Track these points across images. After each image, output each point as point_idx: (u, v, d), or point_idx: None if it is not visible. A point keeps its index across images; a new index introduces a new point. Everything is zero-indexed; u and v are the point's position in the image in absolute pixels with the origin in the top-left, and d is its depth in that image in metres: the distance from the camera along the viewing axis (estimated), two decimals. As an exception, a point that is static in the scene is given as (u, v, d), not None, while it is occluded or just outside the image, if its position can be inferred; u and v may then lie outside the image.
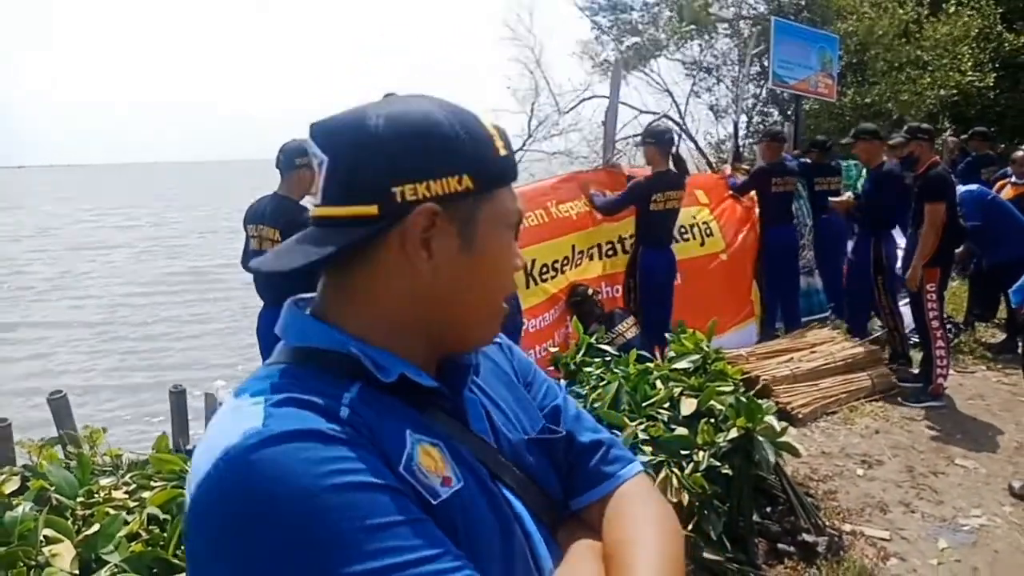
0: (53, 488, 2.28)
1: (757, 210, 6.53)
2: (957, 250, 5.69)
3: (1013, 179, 6.98)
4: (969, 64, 11.81)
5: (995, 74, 11.83)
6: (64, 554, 1.97)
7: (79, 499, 2.27)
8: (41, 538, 1.99)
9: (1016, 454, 4.38)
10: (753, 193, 6.51)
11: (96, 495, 2.30)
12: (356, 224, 0.78)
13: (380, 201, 0.77)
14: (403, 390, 0.80)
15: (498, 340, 1.04)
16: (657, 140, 5.35)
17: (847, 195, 6.45)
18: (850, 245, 6.20)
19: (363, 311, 0.83)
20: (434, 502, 0.75)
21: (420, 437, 0.79)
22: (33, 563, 1.92)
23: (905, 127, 5.93)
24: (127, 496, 2.30)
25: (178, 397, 3.90)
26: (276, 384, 0.76)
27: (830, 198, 6.51)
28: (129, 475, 2.45)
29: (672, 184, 5.29)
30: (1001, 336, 6.53)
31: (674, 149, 5.48)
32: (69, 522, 2.14)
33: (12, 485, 2.38)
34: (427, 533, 0.70)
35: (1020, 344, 6.00)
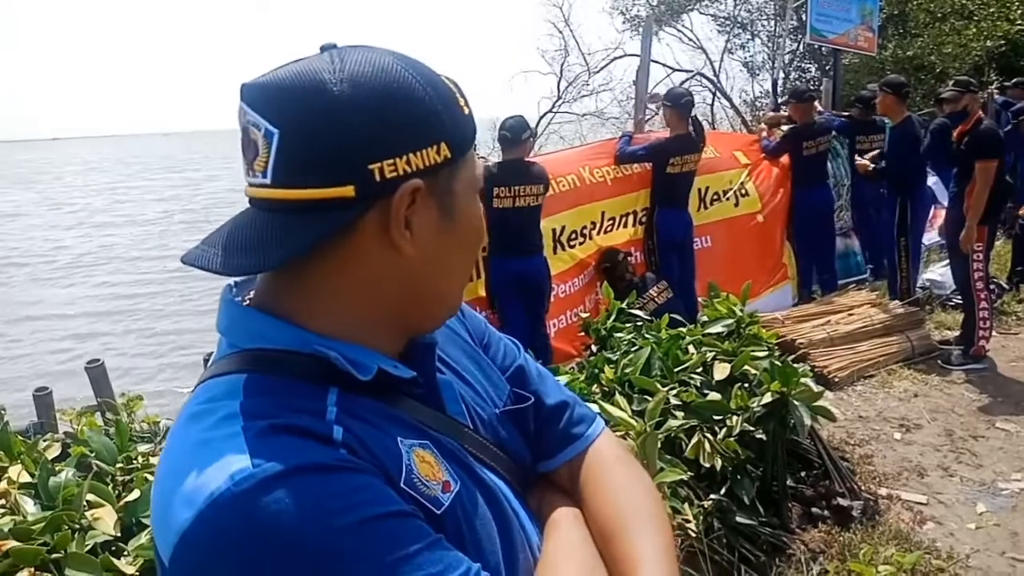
0: (94, 454, 2.33)
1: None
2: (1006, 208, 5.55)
3: None
4: (1019, 12, 11.35)
5: (1047, 22, 11.38)
6: (106, 518, 2.02)
7: (119, 465, 2.32)
8: (84, 503, 2.04)
9: (1060, 417, 4.28)
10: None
11: (135, 461, 2.36)
12: (327, 208, 0.67)
13: (356, 181, 0.67)
14: (376, 384, 0.73)
15: None
16: (675, 103, 5.38)
17: (867, 157, 6.22)
18: None
19: (331, 304, 0.73)
20: (438, 512, 0.70)
21: (412, 442, 0.73)
22: (77, 526, 1.97)
23: (953, 80, 5.74)
24: (164, 462, 2.35)
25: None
26: (246, 405, 0.66)
27: (856, 158, 6.34)
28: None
29: (690, 147, 5.34)
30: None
31: (694, 111, 5.50)
32: (110, 487, 2.20)
33: (54, 451, 2.45)
34: (445, 551, 0.66)
35: None
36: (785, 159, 6.38)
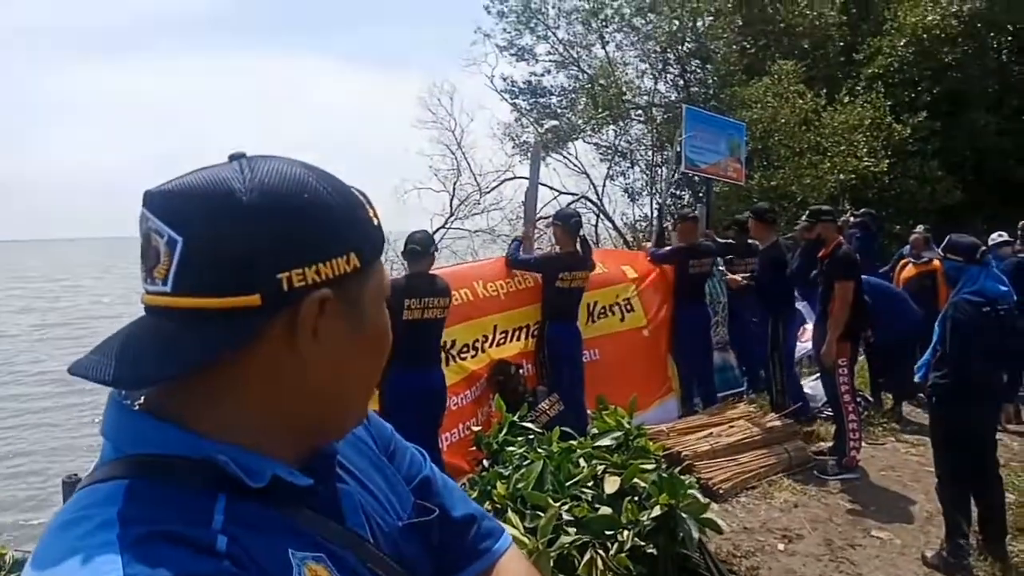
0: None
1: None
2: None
3: (912, 259, 7.44)
4: (864, 150, 12.65)
5: (888, 160, 12.70)
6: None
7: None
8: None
9: (927, 524, 4.50)
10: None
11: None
12: (231, 316, 0.65)
13: (263, 290, 0.65)
14: (270, 492, 0.70)
15: None
16: (564, 222, 5.68)
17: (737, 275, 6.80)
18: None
19: (229, 410, 0.70)
20: None
21: (304, 555, 0.70)
22: None
23: (808, 211, 6.28)
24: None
25: (70, 488, 3.64)
26: (123, 512, 0.62)
27: (726, 275, 6.86)
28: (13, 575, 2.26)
29: (578, 265, 5.57)
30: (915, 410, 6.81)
31: (582, 232, 5.80)
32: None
33: None
34: None
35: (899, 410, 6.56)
36: (669, 277, 6.71)
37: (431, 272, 4.69)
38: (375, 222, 0.75)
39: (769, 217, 6.21)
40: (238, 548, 0.64)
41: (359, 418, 0.83)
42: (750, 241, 7.16)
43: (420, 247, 4.62)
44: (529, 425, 3.91)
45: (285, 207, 0.67)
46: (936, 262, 7.07)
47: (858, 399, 5.95)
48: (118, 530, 0.60)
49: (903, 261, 7.64)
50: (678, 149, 7.73)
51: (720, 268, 6.99)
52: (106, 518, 0.62)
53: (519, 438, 3.74)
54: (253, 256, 0.65)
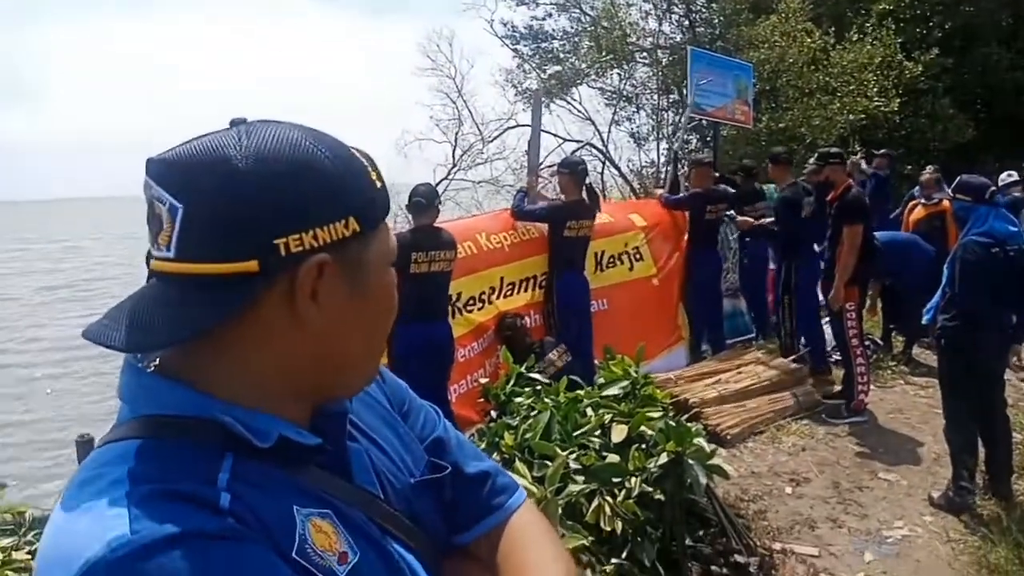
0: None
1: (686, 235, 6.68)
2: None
3: (922, 200, 7.34)
4: (874, 90, 12.41)
5: (899, 99, 12.46)
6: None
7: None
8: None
9: (934, 465, 4.53)
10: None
11: (-5, 556, 2.16)
12: (231, 283, 0.67)
13: (261, 256, 0.66)
14: (279, 451, 0.72)
15: None
16: (571, 170, 5.59)
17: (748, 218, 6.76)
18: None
19: (235, 372, 0.72)
20: None
21: (309, 512, 0.71)
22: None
23: (816, 153, 6.19)
24: (29, 556, 2.16)
25: (86, 447, 3.68)
26: (134, 470, 0.65)
27: (736, 216, 6.82)
28: (32, 533, 2.30)
29: (585, 213, 5.50)
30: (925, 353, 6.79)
31: (588, 179, 5.70)
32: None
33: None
34: None
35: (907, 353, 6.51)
36: (680, 224, 6.67)
37: (436, 225, 4.65)
38: (378, 185, 0.75)
39: (784, 158, 6.09)
40: (242, 505, 0.66)
41: (367, 379, 0.83)
42: (757, 186, 7.15)
43: (424, 200, 4.58)
44: (536, 376, 3.92)
45: (281, 173, 0.68)
46: (946, 203, 6.98)
47: (867, 343, 5.95)
48: (127, 488, 0.63)
49: (913, 202, 7.54)
50: (671, 93, 7.62)
51: (729, 213, 6.93)
52: (117, 476, 0.64)
53: (526, 389, 3.75)
54: (250, 222, 0.66)
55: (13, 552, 2.16)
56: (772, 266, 7.14)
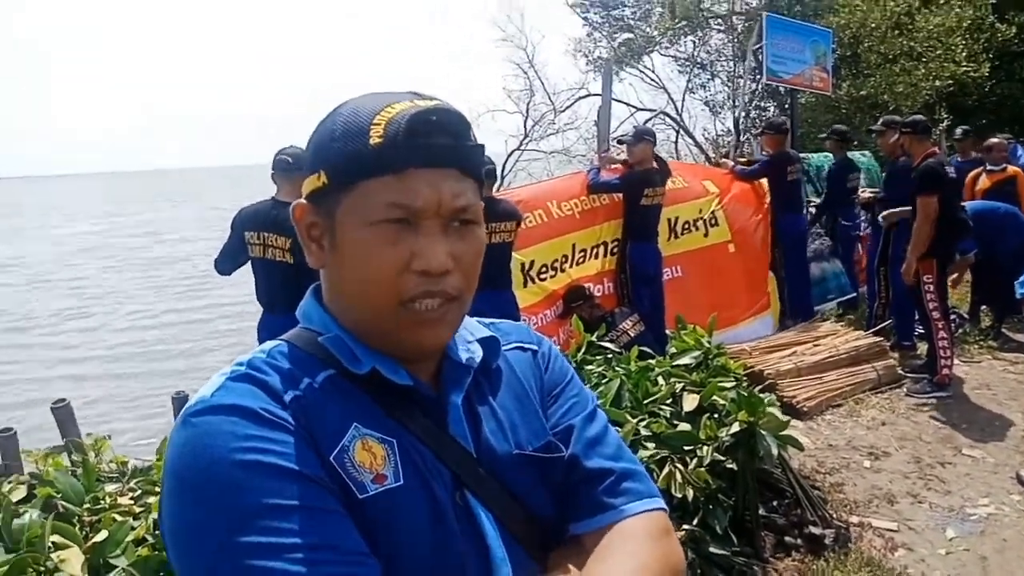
0: (60, 495, 2.28)
1: (768, 199, 6.54)
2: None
3: (988, 167, 6.86)
4: (963, 54, 11.80)
5: (990, 64, 11.82)
6: (72, 559, 1.97)
7: (85, 506, 2.27)
8: (49, 544, 1.99)
9: (1023, 443, 4.36)
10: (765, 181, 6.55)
11: (102, 501, 2.31)
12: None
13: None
14: (378, 384, 0.82)
15: (534, 347, 1.01)
16: (643, 139, 5.46)
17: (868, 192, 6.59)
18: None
19: (329, 297, 0.88)
20: (359, 496, 0.76)
21: (368, 432, 0.79)
22: (42, 568, 1.92)
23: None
24: (133, 502, 2.30)
25: (180, 403, 3.89)
26: (255, 360, 0.82)
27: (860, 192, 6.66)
28: (134, 481, 2.45)
29: (660, 181, 5.48)
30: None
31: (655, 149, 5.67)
32: (76, 528, 2.15)
33: (19, 493, 2.39)
34: (328, 524, 0.71)
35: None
36: (758, 189, 6.55)
37: (496, 196, 4.67)
38: (373, 141, 0.78)
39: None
40: (302, 404, 0.78)
41: (393, 341, 0.83)
42: (848, 153, 7.03)
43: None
44: (607, 345, 3.93)
45: (314, 131, 0.85)
46: (1011, 169, 6.63)
47: (953, 316, 5.74)
48: (240, 369, 0.80)
49: (974, 172, 6.94)
50: (751, 61, 7.44)
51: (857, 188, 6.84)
52: (244, 360, 0.81)
53: (597, 357, 3.77)
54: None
55: (119, 498, 2.31)
56: (861, 232, 7.06)
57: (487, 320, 1.01)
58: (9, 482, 2.44)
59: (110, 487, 2.41)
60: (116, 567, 1.97)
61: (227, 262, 4.25)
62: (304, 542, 0.68)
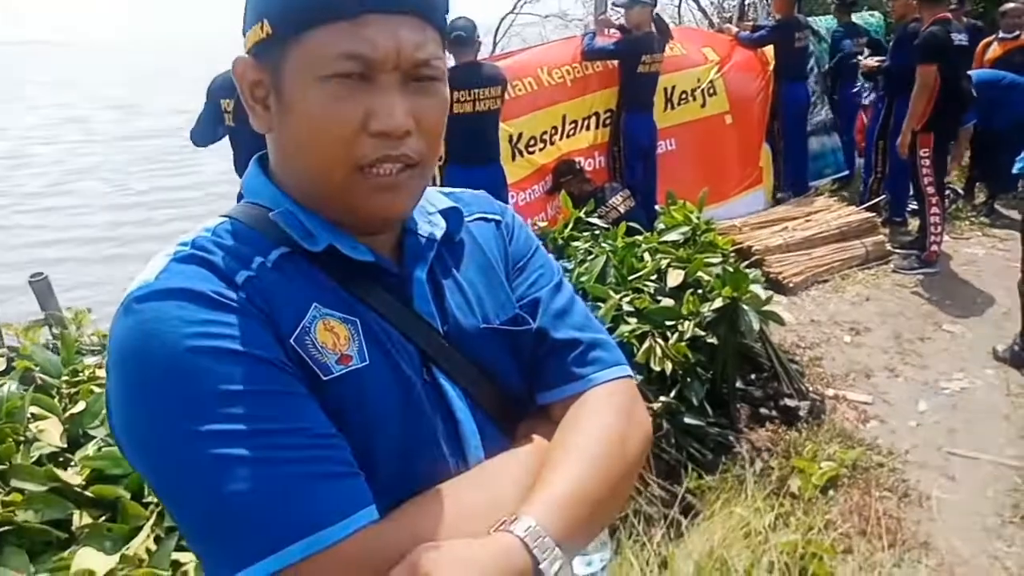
0: (38, 368, 2.31)
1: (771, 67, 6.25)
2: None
3: (1000, 34, 6.47)
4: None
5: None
6: (51, 429, 2.02)
7: (64, 378, 2.31)
8: (28, 415, 2.03)
9: (1003, 319, 4.41)
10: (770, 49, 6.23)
11: (81, 374, 2.34)
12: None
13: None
14: (335, 260, 0.77)
15: (497, 217, 0.97)
16: (639, 1, 5.15)
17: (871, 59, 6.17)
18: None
19: (277, 165, 0.82)
20: (324, 378, 0.72)
21: (329, 312, 0.75)
22: (22, 439, 1.97)
23: None
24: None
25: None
26: (199, 240, 0.75)
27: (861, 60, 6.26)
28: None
29: (659, 47, 5.22)
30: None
31: (655, 11, 5.35)
32: (55, 400, 2.18)
33: (-1, 366, 2.42)
34: (293, 407, 0.68)
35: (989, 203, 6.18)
36: (762, 56, 6.26)
37: (479, 60, 4.48)
38: None
39: None
40: (256, 284, 0.73)
41: (349, 208, 0.77)
42: (855, 20, 6.69)
43: (464, 33, 4.33)
44: (595, 221, 3.89)
45: None
46: None
47: (947, 192, 5.66)
48: (185, 250, 0.73)
49: (985, 41, 6.53)
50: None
51: (855, 53, 6.49)
52: (189, 240, 0.75)
53: (584, 234, 3.74)
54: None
55: (97, 370, 2.34)
56: (865, 102, 6.82)
57: (447, 190, 0.96)
58: (-12, 354, 2.47)
59: (89, 360, 2.44)
60: (95, 437, 2.01)
61: (204, 133, 4.13)
62: (268, 428, 0.65)
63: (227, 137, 4.04)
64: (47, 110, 26.41)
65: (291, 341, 0.71)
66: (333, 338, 0.74)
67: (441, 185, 3.99)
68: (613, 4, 5.77)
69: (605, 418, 0.85)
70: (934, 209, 5.08)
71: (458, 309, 0.85)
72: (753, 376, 3.53)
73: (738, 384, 3.36)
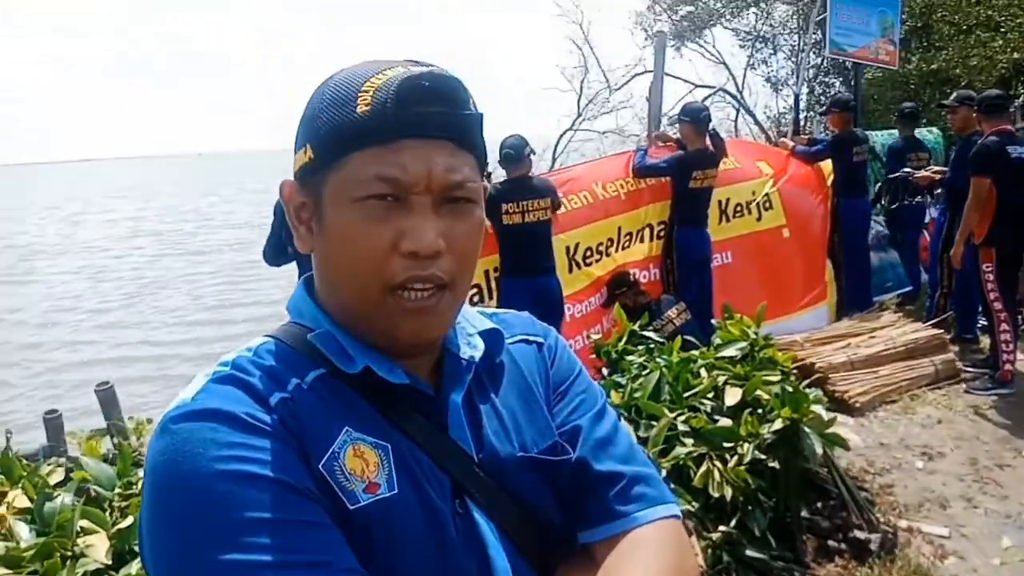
0: (93, 480, 2.33)
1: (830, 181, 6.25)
2: None
3: None
4: (1046, 25, 11.14)
5: (1076, 36, 11.14)
6: (98, 545, 2.01)
7: (117, 490, 2.31)
8: (78, 528, 2.03)
9: (1089, 446, 4.14)
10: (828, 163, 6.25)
11: (134, 486, 2.35)
12: None
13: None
14: (370, 383, 0.76)
15: (539, 339, 0.96)
16: (693, 118, 5.33)
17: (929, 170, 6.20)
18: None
19: (320, 287, 0.83)
20: (350, 507, 0.71)
21: (360, 436, 0.74)
22: (69, 553, 1.96)
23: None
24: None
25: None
26: (240, 360, 0.76)
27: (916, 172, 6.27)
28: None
29: (709, 162, 5.28)
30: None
31: (712, 125, 5.46)
32: (107, 514, 2.18)
33: (57, 476, 2.46)
34: (316, 539, 0.67)
35: None
36: (818, 171, 6.27)
37: (529, 175, 4.61)
38: (359, 110, 0.73)
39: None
40: (290, 407, 0.72)
41: (381, 330, 0.77)
42: (916, 134, 6.71)
43: (514, 151, 4.54)
44: (650, 334, 3.84)
45: (307, 102, 0.80)
46: None
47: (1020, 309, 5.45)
48: (223, 371, 0.74)
49: None
50: (814, 34, 7.11)
51: (906, 170, 6.44)
52: (229, 360, 0.76)
53: (639, 347, 3.69)
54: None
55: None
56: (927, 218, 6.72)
57: (489, 311, 0.96)
58: (48, 464, 2.51)
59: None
60: (139, 555, 2.00)
61: (277, 254, 4.28)
62: (289, 559, 0.64)
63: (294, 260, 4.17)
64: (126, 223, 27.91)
65: (320, 467, 0.71)
66: (362, 464, 0.73)
67: (498, 296, 4.05)
68: (679, 117, 5.89)
69: (651, 565, 0.80)
70: (1004, 326, 4.88)
71: (494, 435, 0.83)
72: (819, 504, 3.34)
73: (803, 513, 3.19)
